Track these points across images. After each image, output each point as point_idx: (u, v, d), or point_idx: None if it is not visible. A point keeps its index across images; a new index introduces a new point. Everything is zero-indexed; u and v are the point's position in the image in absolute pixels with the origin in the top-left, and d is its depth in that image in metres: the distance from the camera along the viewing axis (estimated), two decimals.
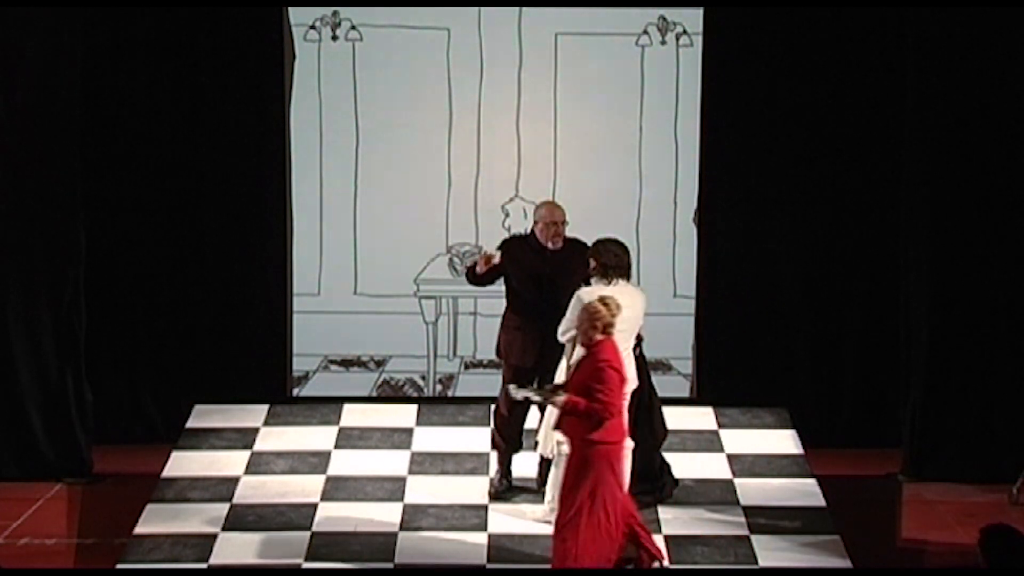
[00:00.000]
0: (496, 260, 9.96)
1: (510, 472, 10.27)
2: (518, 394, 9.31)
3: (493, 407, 10.33)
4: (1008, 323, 10.90)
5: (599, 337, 8.85)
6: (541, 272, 9.95)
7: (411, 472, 10.67)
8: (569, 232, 10.15)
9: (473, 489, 10.34)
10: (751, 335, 11.72)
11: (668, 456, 10.35)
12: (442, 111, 11.65)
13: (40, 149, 10.64)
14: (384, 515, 9.99)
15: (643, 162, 11.71)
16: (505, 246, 10.18)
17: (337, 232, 11.79)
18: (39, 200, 10.68)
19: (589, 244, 9.89)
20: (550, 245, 9.98)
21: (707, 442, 11.22)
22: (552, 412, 9.67)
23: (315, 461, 10.79)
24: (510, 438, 10.21)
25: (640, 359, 9.83)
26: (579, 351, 9.03)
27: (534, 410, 10.13)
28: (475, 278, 10.13)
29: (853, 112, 11.34)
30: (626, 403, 9.08)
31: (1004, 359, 10.93)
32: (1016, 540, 7.18)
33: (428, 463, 10.82)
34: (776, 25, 11.32)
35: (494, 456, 10.38)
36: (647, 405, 9.95)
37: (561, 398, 8.88)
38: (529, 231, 10.15)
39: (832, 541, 9.71)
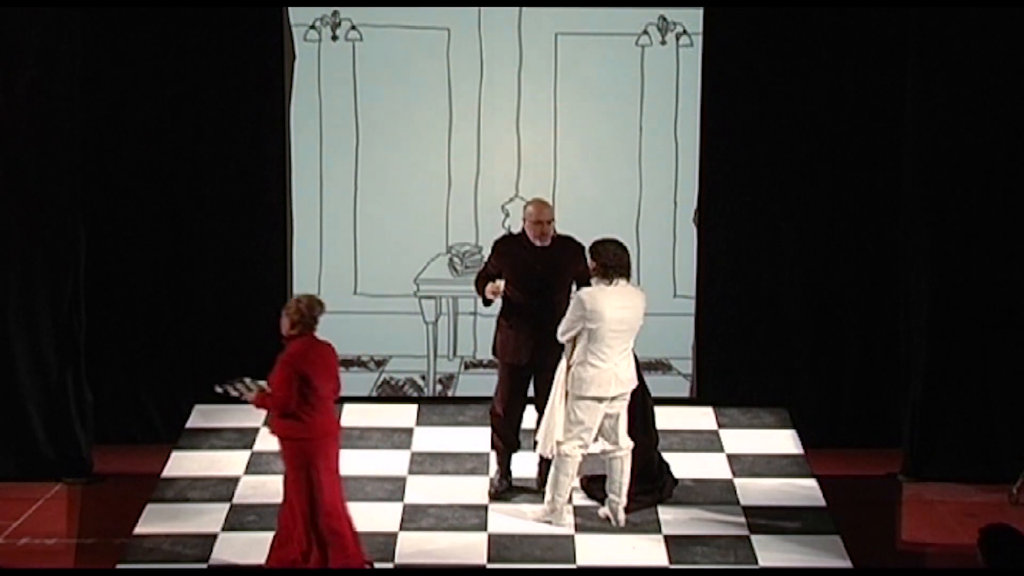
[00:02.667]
0: (502, 288, 9.94)
1: (510, 472, 10.28)
2: (218, 388, 9.23)
3: (489, 408, 10.31)
4: (1008, 323, 10.90)
5: (291, 332, 8.99)
6: (533, 270, 9.93)
7: (411, 472, 10.67)
8: (570, 232, 10.16)
9: (473, 489, 10.35)
10: (751, 335, 11.73)
11: (668, 456, 10.36)
12: (442, 111, 11.65)
13: (40, 149, 10.64)
14: (384, 515, 10.00)
15: (643, 162, 11.71)
16: (497, 245, 10.18)
17: (337, 232, 11.79)
18: (39, 200, 10.67)
19: (581, 241, 9.94)
20: (537, 243, 9.97)
21: (707, 442, 11.22)
22: (551, 412, 9.69)
23: None
24: (507, 438, 10.20)
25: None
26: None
27: (532, 410, 10.13)
28: (485, 303, 10.13)
29: (853, 112, 11.34)
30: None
31: (1004, 359, 10.93)
32: (1016, 540, 7.18)
33: (428, 463, 10.82)
34: (776, 25, 11.32)
35: (494, 456, 10.38)
36: (642, 405, 9.96)
37: (252, 393, 8.99)
38: (520, 230, 10.15)
39: (832, 541, 9.71)
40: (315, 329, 9.10)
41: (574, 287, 9.92)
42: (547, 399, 9.79)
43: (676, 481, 10.23)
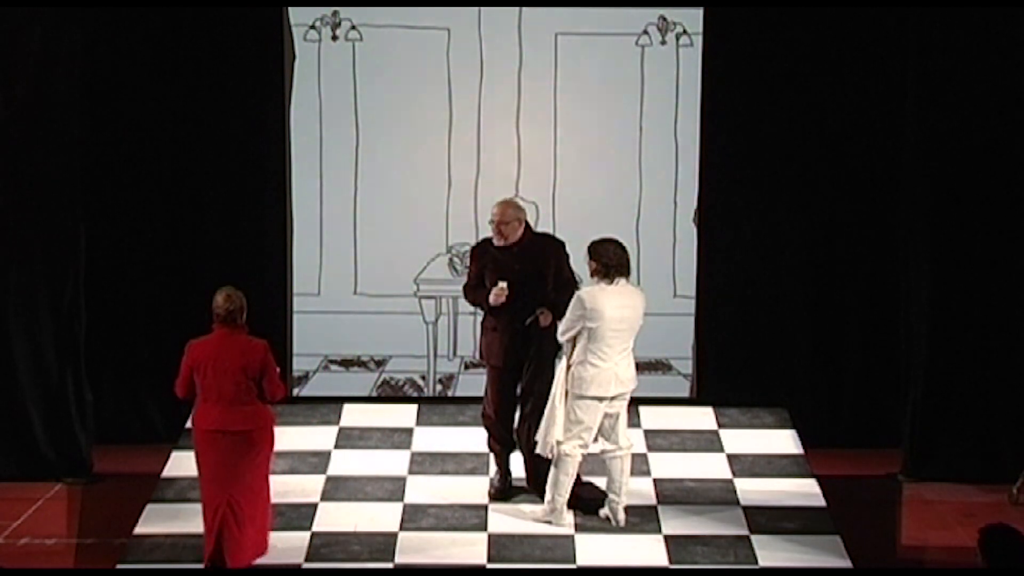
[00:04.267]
0: (507, 289, 9.88)
1: (509, 472, 10.27)
2: None
3: (480, 411, 10.30)
4: (1008, 323, 10.90)
5: (216, 324, 9.17)
6: (512, 270, 9.90)
7: (411, 472, 10.67)
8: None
9: (473, 489, 10.35)
10: (751, 335, 11.73)
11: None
12: (442, 111, 11.65)
13: (40, 149, 10.64)
14: (384, 515, 10.00)
15: (643, 162, 11.71)
16: (474, 251, 10.15)
17: (337, 232, 11.80)
18: (39, 200, 10.68)
19: (561, 239, 9.96)
20: (497, 242, 9.94)
21: (707, 442, 11.22)
22: (551, 411, 9.68)
23: (315, 461, 10.80)
24: (502, 439, 10.19)
25: None
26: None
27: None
28: (490, 311, 10.06)
29: (853, 112, 11.35)
30: None
31: (1004, 359, 10.93)
32: (1016, 540, 7.18)
33: (428, 463, 10.82)
34: (776, 25, 11.32)
35: (492, 457, 10.37)
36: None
37: None
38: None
39: (832, 541, 9.71)
40: (233, 323, 9.10)
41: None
42: (531, 400, 9.78)
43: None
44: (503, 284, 9.82)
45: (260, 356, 9.11)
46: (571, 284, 9.92)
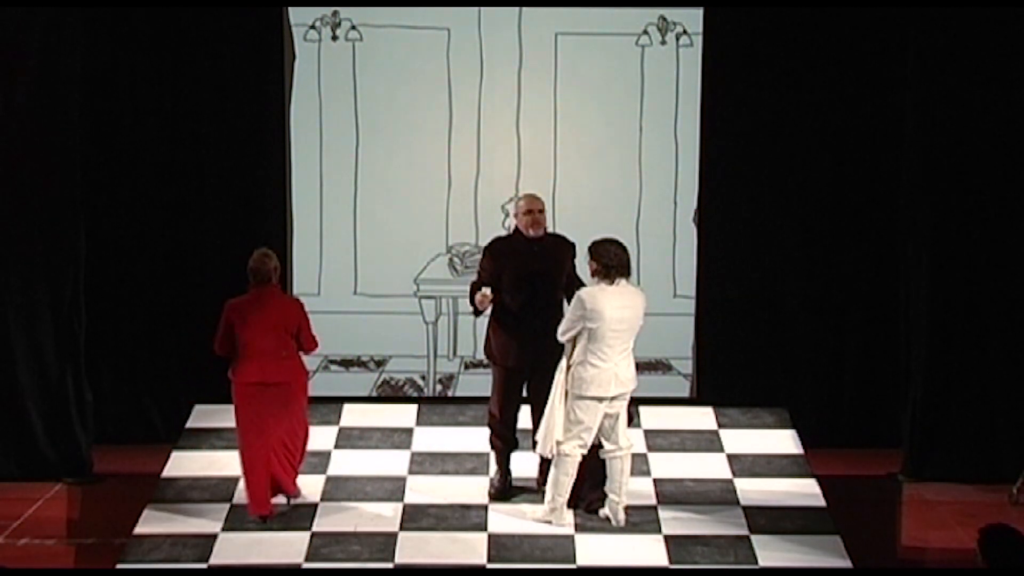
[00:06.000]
0: (491, 295, 9.87)
1: (509, 472, 10.27)
2: None
3: (486, 409, 10.30)
4: (1008, 323, 10.90)
5: (252, 284, 9.75)
6: (532, 267, 9.88)
7: (411, 472, 10.67)
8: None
9: (473, 489, 10.35)
10: (751, 335, 11.73)
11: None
12: (442, 111, 11.66)
13: (40, 149, 10.64)
14: (384, 515, 10.00)
15: (643, 162, 11.72)
16: (491, 248, 10.08)
17: (337, 232, 11.80)
18: (39, 200, 10.68)
19: (573, 240, 9.93)
20: (530, 233, 9.91)
21: (707, 442, 11.23)
22: (551, 411, 9.68)
23: (315, 461, 10.79)
24: (505, 438, 10.19)
25: None
26: None
27: (527, 410, 10.12)
28: (476, 314, 10.07)
29: (853, 112, 11.35)
30: None
31: (1004, 359, 10.93)
32: (1016, 540, 7.18)
33: (428, 463, 10.82)
34: (776, 25, 11.32)
35: (493, 456, 10.38)
36: None
37: None
38: (513, 229, 10.12)
39: (832, 541, 9.71)
40: (268, 282, 9.72)
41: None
42: (545, 400, 9.78)
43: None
44: (487, 290, 9.80)
45: (296, 311, 9.79)
46: (578, 288, 9.90)
